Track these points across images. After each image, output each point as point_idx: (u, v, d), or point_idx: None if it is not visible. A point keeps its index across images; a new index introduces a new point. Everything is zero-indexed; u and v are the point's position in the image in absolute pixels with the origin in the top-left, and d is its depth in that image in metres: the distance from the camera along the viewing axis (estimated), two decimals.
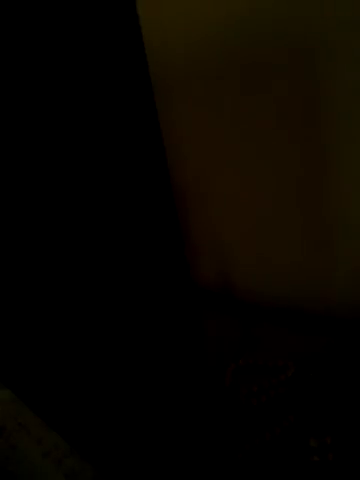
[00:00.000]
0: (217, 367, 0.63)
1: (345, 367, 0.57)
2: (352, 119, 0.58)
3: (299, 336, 0.67)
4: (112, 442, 0.51)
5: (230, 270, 0.84)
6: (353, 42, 0.55)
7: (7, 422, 0.51)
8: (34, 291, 0.49)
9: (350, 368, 0.57)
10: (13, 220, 0.45)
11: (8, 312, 0.49)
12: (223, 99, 0.70)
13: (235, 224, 0.79)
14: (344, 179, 0.62)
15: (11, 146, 0.43)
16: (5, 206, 0.45)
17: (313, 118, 0.62)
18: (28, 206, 0.45)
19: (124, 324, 0.53)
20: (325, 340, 0.64)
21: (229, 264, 0.84)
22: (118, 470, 0.48)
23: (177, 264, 0.57)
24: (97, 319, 0.52)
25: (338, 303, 0.69)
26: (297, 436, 0.49)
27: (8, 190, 0.44)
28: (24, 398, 0.52)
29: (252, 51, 0.63)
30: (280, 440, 0.50)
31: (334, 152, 0.61)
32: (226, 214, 0.80)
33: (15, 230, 0.46)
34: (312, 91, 0.60)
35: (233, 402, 0.56)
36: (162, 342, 0.56)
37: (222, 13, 0.65)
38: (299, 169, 0.66)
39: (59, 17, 0.42)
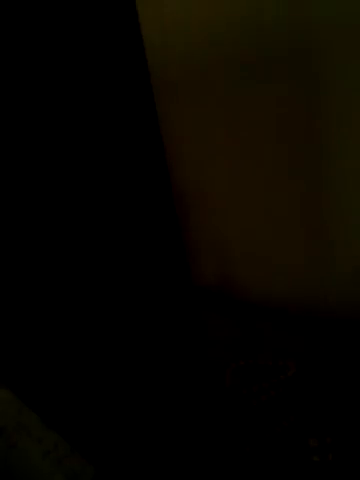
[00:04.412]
0: (217, 367, 0.63)
1: (345, 367, 0.57)
2: (351, 119, 0.58)
3: (299, 336, 0.66)
4: (112, 442, 0.51)
5: (230, 270, 0.84)
6: (353, 41, 0.55)
7: (7, 422, 0.51)
8: (35, 292, 0.49)
9: (350, 368, 0.57)
10: (13, 222, 0.45)
11: (8, 312, 0.49)
12: (223, 99, 0.70)
13: (235, 224, 0.79)
14: (343, 179, 0.62)
15: (10, 146, 0.43)
16: (6, 207, 0.45)
17: (313, 118, 0.62)
18: (29, 209, 0.45)
19: (124, 325, 0.53)
20: (325, 340, 0.64)
21: (229, 264, 0.84)
22: (118, 470, 0.48)
23: (177, 264, 0.57)
24: (98, 320, 0.52)
25: (338, 303, 0.69)
26: (297, 436, 0.49)
27: (10, 191, 0.44)
28: (24, 398, 0.53)
29: (252, 51, 0.63)
30: (280, 440, 0.50)
31: (334, 152, 0.61)
32: (226, 214, 0.80)
33: (16, 232, 0.46)
34: (312, 91, 0.60)
35: (233, 402, 0.56)
36: (162, 342, 0.56)
37: (222, 13, 0.65)
38: (299, 169, 0.66)
39: (57, 16, 0.42)
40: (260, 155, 0.70)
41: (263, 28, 0.61)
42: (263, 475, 0.46)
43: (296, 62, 0.60)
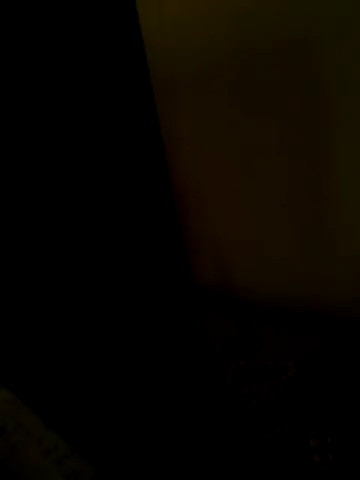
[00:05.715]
0: (217, 367, 0.63)
1: (345, 367, 0.57)
2: (351, 118, 0.58)
3: (299, 336, 0.66)
4: (112, 442, 0.51)
5: (230, 270, 0.84)
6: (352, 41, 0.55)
7: (7, 422, 0.51)
8: (34, 291, 0.49)
9: (350, 368, 0.57)
10: (14, 223, 0.45)
11: (8, 312, 0.49)
12: (223, 98, 0.70)
13: (235, 224, 0.79)
14: (343, 178, 0.62)
15: (10, 148, 0.43)
16: (6, 208, 0.45)
17: (312, 118, 0.62)
18: (28, 210, 0.45)
19: (123, 325, 0.53)
20: (325, 340, 0.64)
21: (229, 264, 0.84)
22: (118, 470, 0.48)
23: (177, 264, 0.57)
24: (97, 320, 0.52)
25: (338, 303, 0.69)
26: (297, 436, 0.49)
27: (9, 192, 0.44)
28: (24, 398, 0.53)
29: (252, 50, 0.63)
30: (280, 440, 0.50)
31: (334, 151, 0.61)
32: (226, 214, 0.80)
33: (16, 233, 0.46)
34: (312, 91, 0.60)
35: (233, 402, 0.56)
36: (162, 343, 0.56)
37: (222, 12, 0.65)
38: (299, 169, 0.66)
39: (57, 15, 0.42)
40: (261, 154, 0.70)
41: (263, 26, 0.61)
42: (263, 475, 0.46)
43: (297, 60, 0.60)
